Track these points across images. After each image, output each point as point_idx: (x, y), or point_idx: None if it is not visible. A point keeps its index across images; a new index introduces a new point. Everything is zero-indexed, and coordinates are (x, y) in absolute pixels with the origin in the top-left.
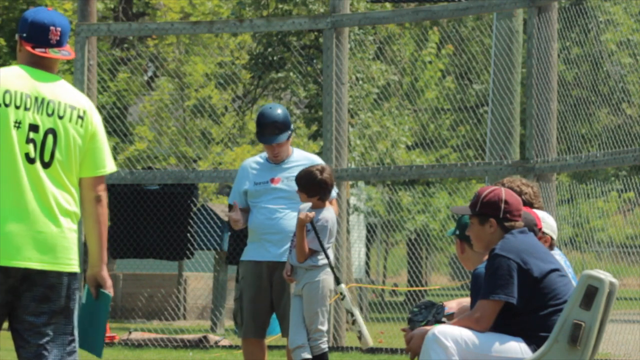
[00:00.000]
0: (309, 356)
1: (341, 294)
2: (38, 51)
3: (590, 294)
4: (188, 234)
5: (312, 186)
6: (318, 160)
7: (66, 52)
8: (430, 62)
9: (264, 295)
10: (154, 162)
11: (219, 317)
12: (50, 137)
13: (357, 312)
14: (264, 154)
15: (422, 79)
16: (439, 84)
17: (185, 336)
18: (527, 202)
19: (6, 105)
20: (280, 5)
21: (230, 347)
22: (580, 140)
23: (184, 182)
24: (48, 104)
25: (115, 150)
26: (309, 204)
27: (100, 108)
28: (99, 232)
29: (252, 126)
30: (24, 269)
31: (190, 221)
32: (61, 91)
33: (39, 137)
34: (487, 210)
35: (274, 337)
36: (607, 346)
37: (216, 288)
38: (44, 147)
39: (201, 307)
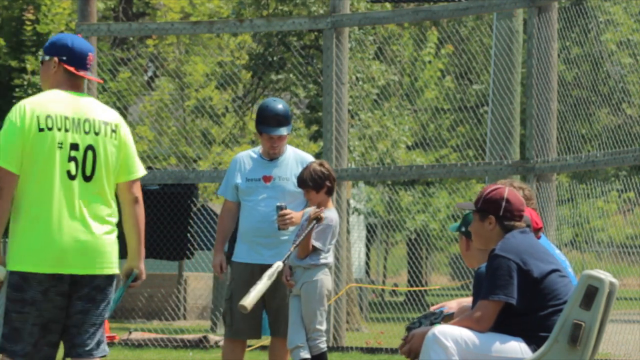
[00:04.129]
0: (308, 356)
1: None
2: (81, 73)
3: (591, 294)
4: (188, 234)
5: (318, 180)
6: (310, 159)
7: (91, 74)
8: (429, 62)
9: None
10: (154, 162)
11: (219, 317)
12: (90, 153)
13: (263, 280)
14: (257, 149)
15: (422, 78)
16: (438, 83)
17: (185, 336)
18: None
19: (49, 129)
20: (280, 6)
21: None
22: (580, 140)
23: (184, 182)
24: (85, 122)
25: None
26: (312, 208)
27: None
28: (138, 230)
29: (252, 126)
30: (70, 275)
31: (190, 221)
32: (95, 109)
33: (79, 154)
34: (488, 207)
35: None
36: (607, 346)
37: (216, 288)
38: (85, 163)
39: (201, 307)
